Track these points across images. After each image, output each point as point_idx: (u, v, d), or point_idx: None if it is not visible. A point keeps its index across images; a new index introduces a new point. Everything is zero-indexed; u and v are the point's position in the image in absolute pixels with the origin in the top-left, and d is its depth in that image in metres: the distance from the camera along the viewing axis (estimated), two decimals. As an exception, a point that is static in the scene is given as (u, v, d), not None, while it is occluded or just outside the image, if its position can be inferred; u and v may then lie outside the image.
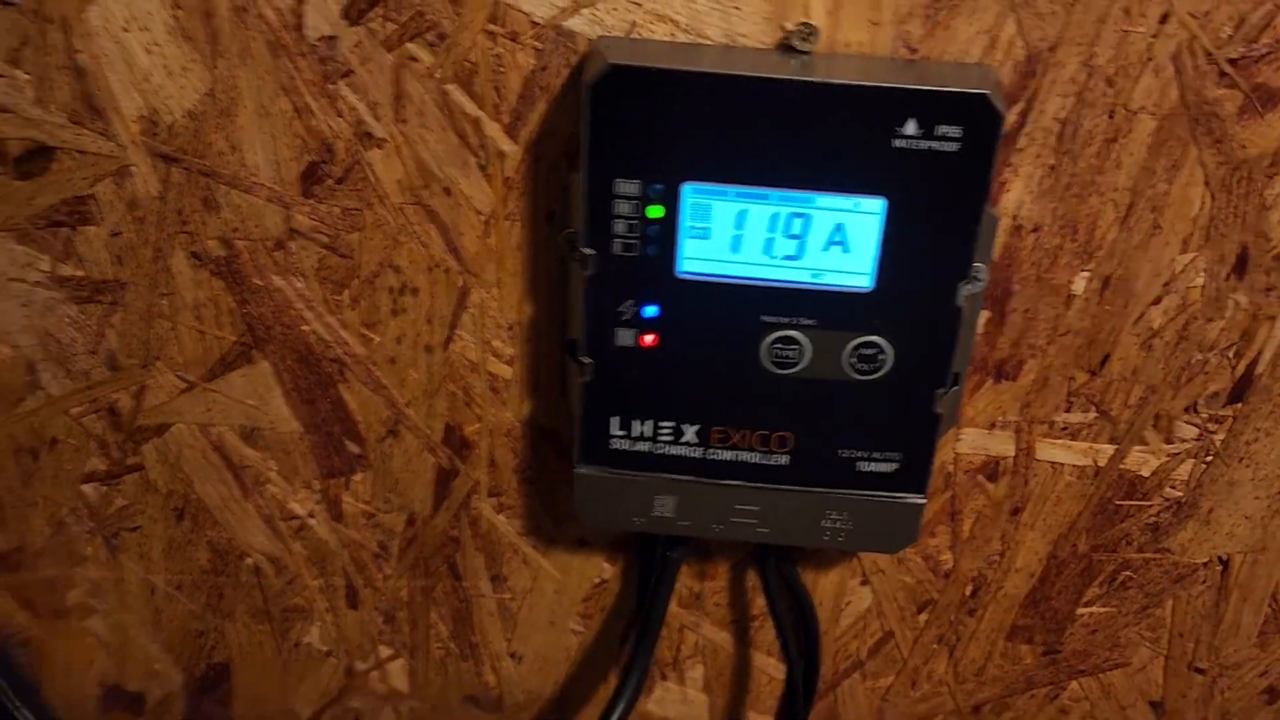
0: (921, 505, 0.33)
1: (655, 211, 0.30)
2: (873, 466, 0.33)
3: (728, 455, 0.33)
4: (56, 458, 0.40)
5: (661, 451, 0.33)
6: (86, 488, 0.41)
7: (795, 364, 0.31)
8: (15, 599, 0.45)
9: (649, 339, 0.32)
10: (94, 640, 0.45)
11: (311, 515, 0.40)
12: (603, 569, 0.40)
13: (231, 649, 0.44)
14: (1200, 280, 0.32)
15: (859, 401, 0.32)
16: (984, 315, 0.33)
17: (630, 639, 0.41)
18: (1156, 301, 0.32)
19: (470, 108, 0.32)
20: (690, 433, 0.33)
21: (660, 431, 0.33)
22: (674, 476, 0.33)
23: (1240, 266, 0.31)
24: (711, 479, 0.33)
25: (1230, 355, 0.33)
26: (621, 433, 0.33)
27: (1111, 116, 0.30)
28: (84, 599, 0.44)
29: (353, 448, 0.38)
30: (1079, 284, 0.32)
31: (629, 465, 0.33)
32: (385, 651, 0.43)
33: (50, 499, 0.41)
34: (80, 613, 0.45)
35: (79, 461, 0.40)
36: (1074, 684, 0.39)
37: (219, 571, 0.42)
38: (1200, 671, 0.39)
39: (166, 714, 0.47)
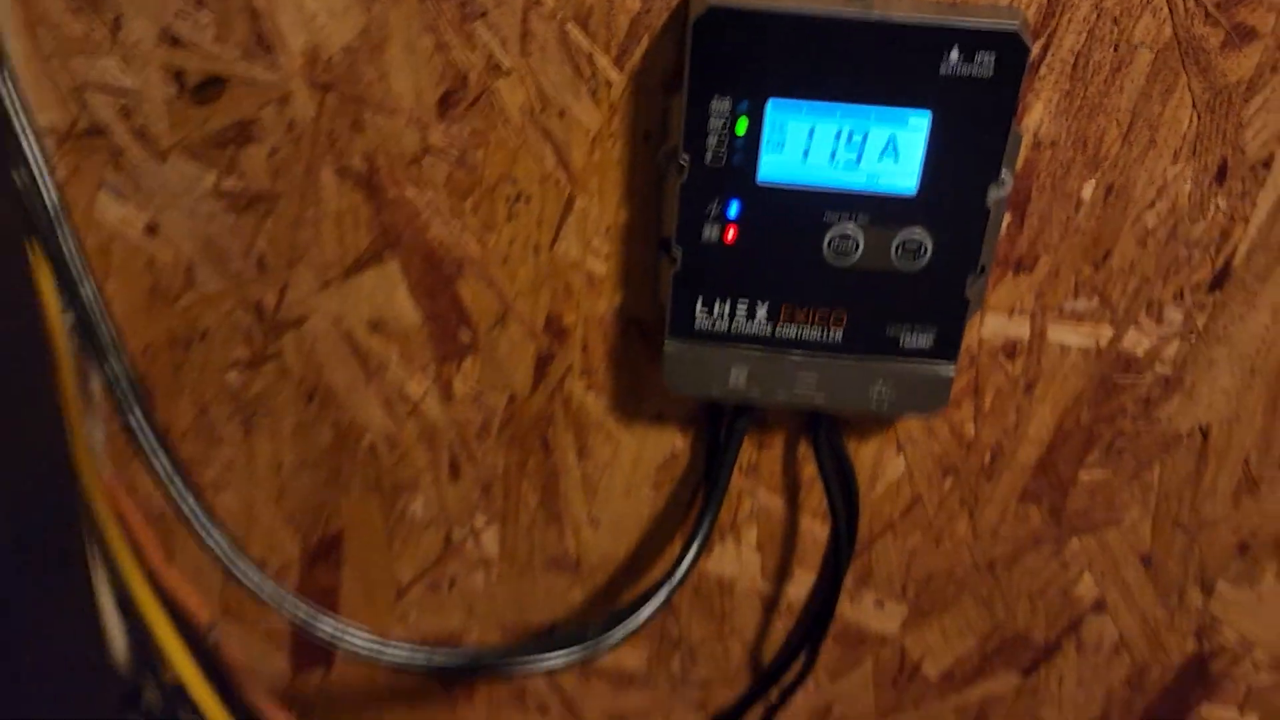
0: (952, 375, 0.40)
1: (742, 127, 0.36)
2: (913, 341, 0.40)
3: (792, 332, 0.40)
4: (206, 349, 0.47)
5: (737, 329, 0.40)
6: (230, 375, 0.48)
7: (851, 255, 0.38)
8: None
9: (730, 234, 0.38)
10: (224, 515, 0.52)
11: (425, 397, 0.47)
12: (675, 442, 0.47)
13: (344, 520, 0.51)
14: (1188, 187, 0.39)
15: (903, 287, 0.38)
16: (1006, 218, 0.40)
17: (696, 504, 0.48)
18: (1151, 205, 0.39)
19: (585, 43, 0.38)
20: (761, 312, 0.40)
21: (736, 311, 0.40)
22: (747, 350, 0.40)
23: (1221, 175, 0.38)
24: (778, 352, 0.40)
25: (1211, 251, 0.40)
26: (704, 312, 0.40)
27: (1116, 50, 0.37)
28: (218, 476, 0.51)
29: (465, 336, 0.45)
30: (1087, 191, 0.39)
31: (709, 341, 0.40)
32: (480, 520, 0.50)
33: (197, 386, 0.48)
34: (213, 489, 0.51)
35: (225, 352, 0.47)
36: (1074, 541, 0.46)
37: (339, 449, 0.49)
38: (1183, 528, 0.46)
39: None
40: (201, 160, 0.42)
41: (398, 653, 0.41)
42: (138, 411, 0.39)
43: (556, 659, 0.44)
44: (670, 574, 0.44)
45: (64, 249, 0.38)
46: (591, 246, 0.42)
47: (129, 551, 0.49)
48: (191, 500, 0.40)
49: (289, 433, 0.49)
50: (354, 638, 0.41)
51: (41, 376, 0.33)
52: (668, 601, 0.44)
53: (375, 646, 0.41)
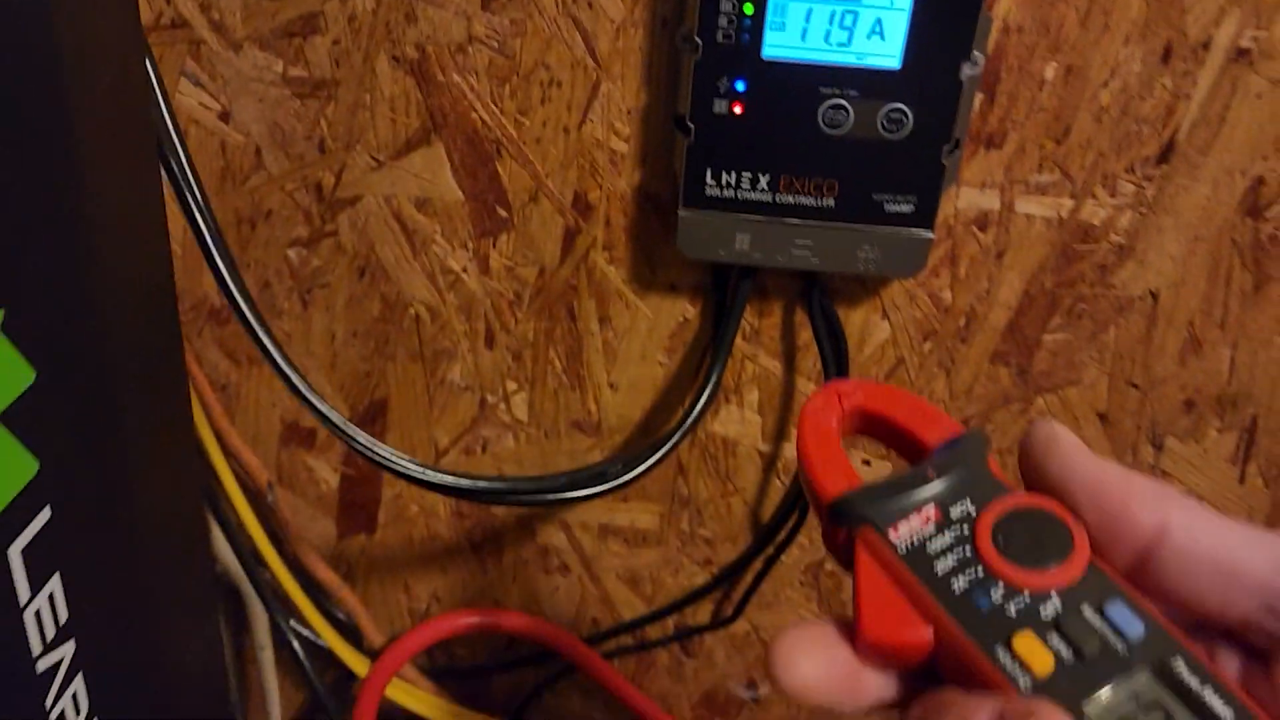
0: (930, 238, 0.46)
1: (749, 8, 0.42)
2: (896, 207, 0.45)
3: (790, 199, 0.46)
4: (270, 227, 0.53)
5: (742, 197, 0.46)
6: (290, 252, 0.54)
7: (842, 126, 0.44)
8: (221, 349, 0.58)
9: (738, 108, 0.44)
10: (279, 383, 0.58)
11: (465, 270, 0.53)
12: (686, 310, 0.52)
13: (390, 387, 0.57)
14: (1137, 68, 0.44)
15: (887, 156, 0.44)
16: (978, 98, 0.45)
17: (705, 369, 0.54)
18: (1105, 84, 0.45)
19: (611, -62, 0.44)
20: (763, 181, 0.45)
21: (742, 181, 0.45)
22: (750, 216, 0.46)
23: (1166, 56, 0.44)
24: (777, 218, 0.46)
25: (1159, 127, 0.45)
26: (713, 182, 0.46)
27: (1073, -54, 0.42)
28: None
29: (501, 212, 0.51)
30: (1049, 72, 0.45)
31: (718, 208, 0.46)
32: (511, 386, 0.56)
33: (261, 261, 0.54)
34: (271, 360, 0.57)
35: (287, 230, 0.53)
36: (1040, 399, 0.52)
37: (387, 320, 0.55)
38: (1135, 387, 0.51)
39: (332, 446, 0.60)
40: (271, 50, 0.48)
41: (444, 477, 0.47)
42: (222, 266, 0.45)
43: (581, 493, 0.50)
44: (681, 422, 0.50)
45: (167, 125, 0.43)
46: (614, 128, 0.48)
47: (201, 411, 0.55)
48: (270, 342, 0.46)
49: (342, 305, 0.55)
50: (406, 462, 0.47)
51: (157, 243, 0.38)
52: (678, 445, 0.50)
53: (423, 470, 0.47)
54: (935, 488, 0.27)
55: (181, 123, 0.50)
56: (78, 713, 0.33)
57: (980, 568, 0.25)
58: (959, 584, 0.25)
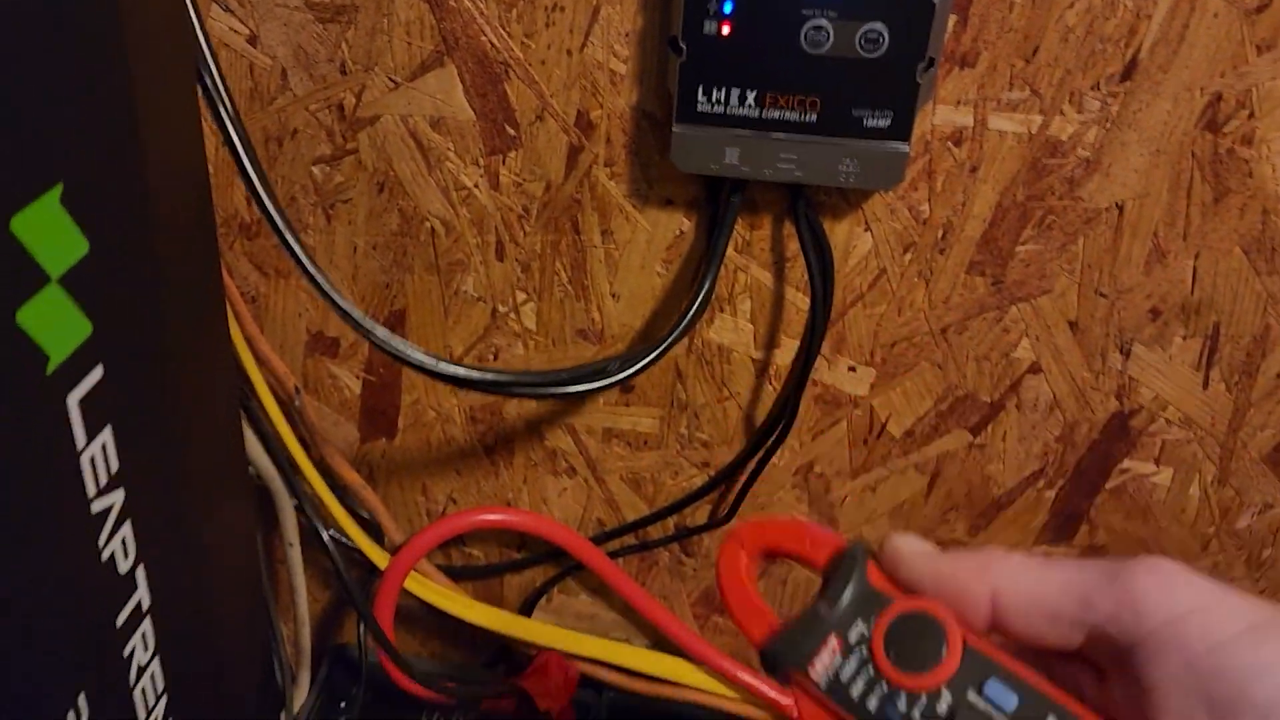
0: (906, 152, 0.49)
1: (733, -67, 0.45)
2: (874, 122, 0.49)
3: (775, 115, 0.49)
4: (295, 145, 0.57)
5: (731, 113, 0.49)
6: (314, 169, 0.58)
7: (822, 45, 0.47)
8: (251, 262, 0.62)
9: (726, 29, 0.47)
10: (305, 295, 0.63)
11: (476, 186, 0.57)
12: (682, 223, 0.56)
13: (408, 297, 0.61)
14: (1099, -10, 0.47)
15: (865, 73, 0.47)
16: (951, 19, 0.48)
17: (699, 276, 0.57)
18: (1071, 5, 0.48)
19: None
20: (750, 98, 0.49)
21: (730, 97, 0.49)
22: (739, 132, 0.50)
23: (1125, -21, 0.47)
24: (764, 133, 0.49)
25: (1121, 45, 0.48)
26: (704, 99, 0.49)
27: (1040, -128, 0.45)
28: (303, 261, 0.61)
29: (510, 131, 0.55)
30: (1017, -6, 0.48)
31: (709, 123, 0.50)
32: (520, 296, 0.60)
33: (287, 178, 0.58)
34: (299, 273, 0.62)
35: (311, 148, 0.57)
36: (1014, 309, 0.56)
37: (404, 233, 0.59)
38: (1103, 295, 0.55)
39: (354, 354, 0.64)
40: (295, -24, 0.52)
41: (456, 369, 0.52)
42: (253, 174, 0.49)
43: (583, 387, 0.54)
44: (677, 325, 0.54)
45: (201, 43, 0.47)
46: (614, 49, 0.52)
47: (233, 320, 0.60)
48: (297, 245, 0.50)
49: (363, 219, 0.59)
50: (421, 355, 0.51)
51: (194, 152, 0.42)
52: (672, 346, 0.54)
53: (436, 363, 0.52)
54: (834, 617, 0.32)
55: (213, 48, 0.54)
56: (126, 556, 0.38)
57: (884, 683, 0.31)
58: (872, 703, 0.31)
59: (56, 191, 0.31)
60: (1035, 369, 0.57)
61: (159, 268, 0.37)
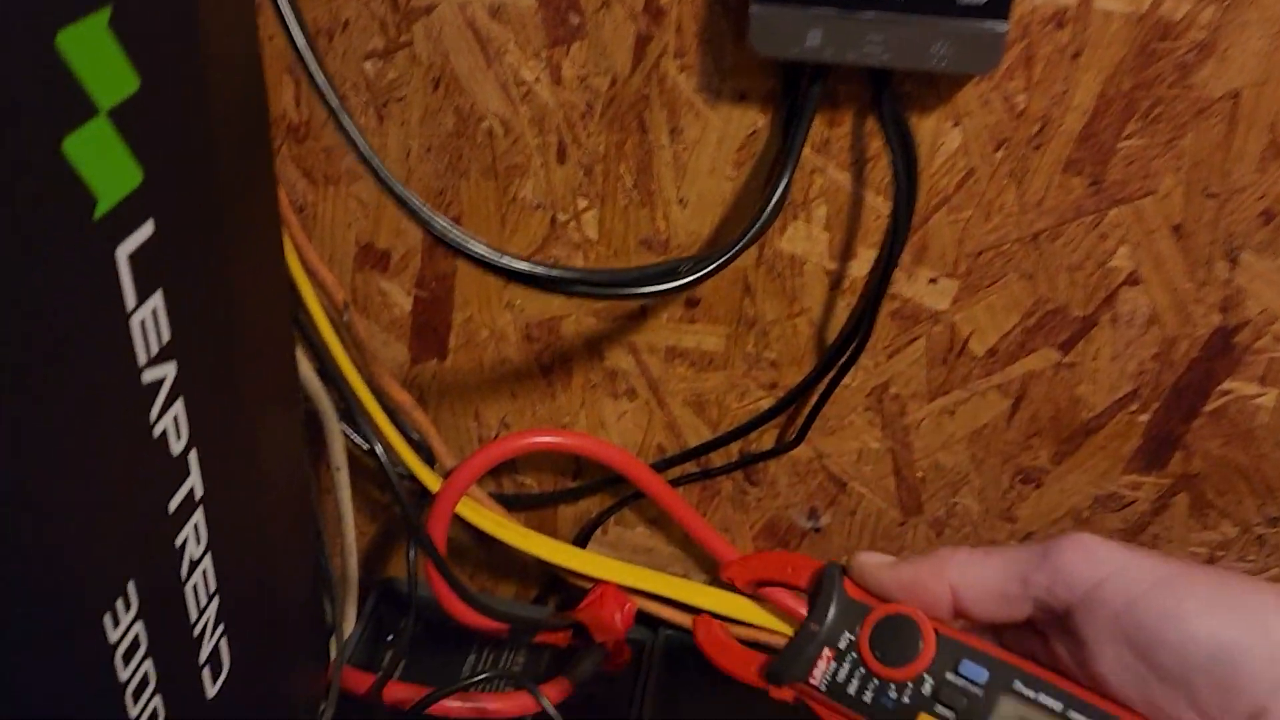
0: (1004, 31, 0.45)
1: None
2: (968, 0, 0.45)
3: (865, -10, 0.45)
4: (347, 38, 0.54)
5: (816, -12, 0.46)
6: (367, 64, 0.55)
7: (920, -90, 0.43)
8: (299, 168, 0.59)
9: (813, -107, 0.44)
10: (355, 203, 0.60)
11: (538, 80, 0.53)
12: (756, 119, 0.53)
13: (463, 204, 0.58)
14: None
15: (965, -59, 0.44)
16: (1060, -117, 0.45)
17: (775, 174, 0.54)
18: None
19: None
20: (838, -29, 0.45)
21: (816, -29, 0.45)
22: (822, 11, 0.46)
23: None
24: (849, 12, 0.46)
25: (1245, -88, 0.44)
26: (788, -27, 0.45)
27: None
28: (353, 165, 0.58)
29: (574, 19, 0.51)
30: None
31: (790, 3, 0.46)
32: (582, 203, 0.57)
33: (338, 74, 0.55)
34: (349, 178, 0.59)
35: (364, 41, 0.54)
36: (1113, 212, 0.52)
37: (460, 134, 0.56)
38: (1212, 196, 0.51)
39: (405, 268, 0.62)
40: None
41: (515, 263, 0.48)
42: (310, 59, 0.46)
43: (652, 288, 0.51)
44: (748, 227, 0.51)
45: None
46: (688, -76, 0.48)
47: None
48: (357, 132, 0.47)
49: (417, 120, 0.56)
50: (481, 245, 0.48)
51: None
52: (747, 248, 0.51)
53: (497, 256, 0.48)
54: (822, 634, 0.38)
55: (262, -73, 0.51)
56: (178, 436, 0.35)
57: (876, 680, 0.37)
58: (868, 696, 0.37)
59: (105, 14, 0.28)
60: (1133, 279, 0.54)
61: (211, 124, 0.34)
